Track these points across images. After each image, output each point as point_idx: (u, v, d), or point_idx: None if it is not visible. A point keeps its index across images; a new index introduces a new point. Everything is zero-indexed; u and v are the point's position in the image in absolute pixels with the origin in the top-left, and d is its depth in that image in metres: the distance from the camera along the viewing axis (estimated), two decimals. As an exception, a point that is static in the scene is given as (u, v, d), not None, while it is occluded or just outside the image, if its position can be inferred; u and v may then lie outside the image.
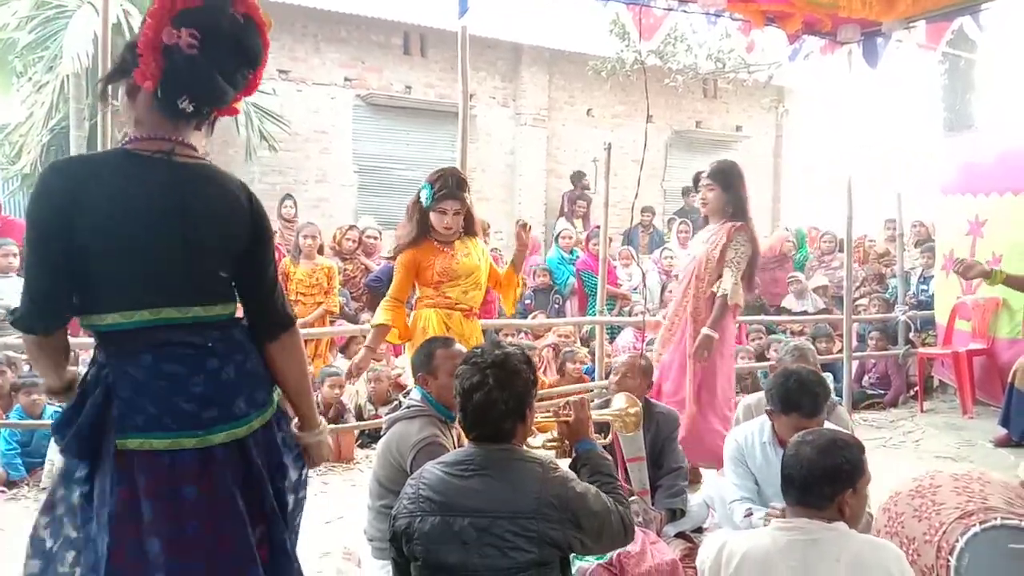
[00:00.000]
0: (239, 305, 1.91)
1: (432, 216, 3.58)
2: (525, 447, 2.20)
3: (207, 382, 1.76)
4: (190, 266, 1.76)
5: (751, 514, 2.97)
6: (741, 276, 4.08)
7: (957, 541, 2.45)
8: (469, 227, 3.71)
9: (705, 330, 4.02)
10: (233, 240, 1.83)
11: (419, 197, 3.61)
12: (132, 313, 1.72)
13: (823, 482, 2.06)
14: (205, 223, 1.77)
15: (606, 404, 3.24)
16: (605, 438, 3.06)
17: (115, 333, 1.74)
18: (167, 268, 1.74)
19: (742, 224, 4.10)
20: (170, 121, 1.77)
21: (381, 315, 3.68)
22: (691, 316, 4.17)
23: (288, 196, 7.49)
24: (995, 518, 2.46)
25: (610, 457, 2.43)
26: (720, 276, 4.08)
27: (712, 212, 4.23)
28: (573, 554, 2.17)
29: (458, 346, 2.97)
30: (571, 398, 2.55)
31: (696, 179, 4.28)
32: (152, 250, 1.72)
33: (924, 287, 7.48)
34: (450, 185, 3.54)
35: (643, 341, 5.31)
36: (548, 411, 2.60)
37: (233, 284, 1.88)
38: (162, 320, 1.74)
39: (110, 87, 1.90)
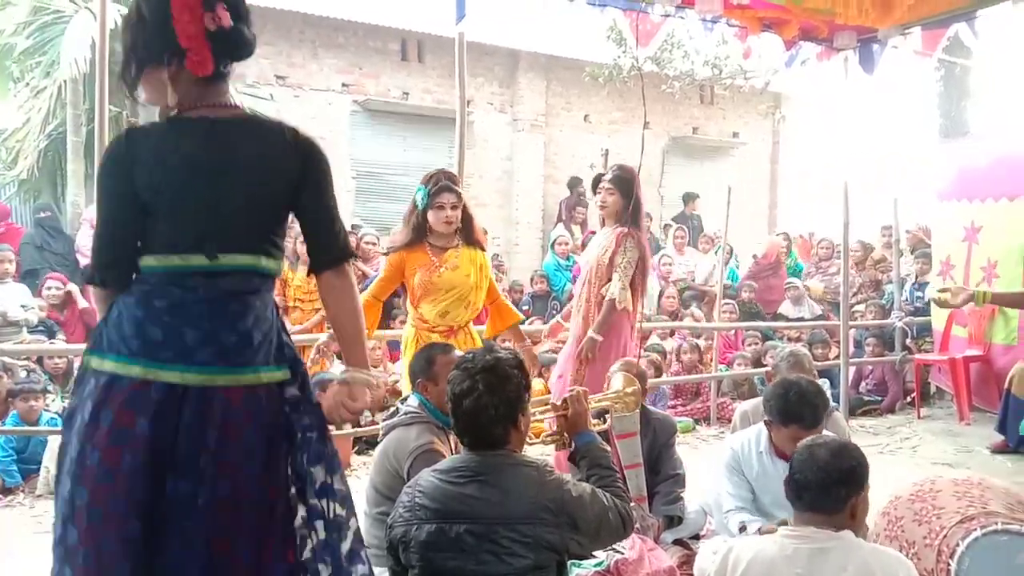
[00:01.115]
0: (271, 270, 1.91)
1: (431, 215, 3.58)
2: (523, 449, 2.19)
3: (173, 317, 1.77)
4: (225, 215, 1.80)
5: (745, 527, 2.95)
6: (630, 281, 4.12)
7: (958, 545, 2.45)
8: (468, 234, 3.70)
9: (590, 333, 4.03)
10: (274, 183, 1.85)
11: (415, 203, 3.62)
12: (165, 257, 1.80)
13: (839, 484, 2.08)
14: (240, 173, 1.81)
15: (602, 414, 3.23)
16: (604, 423, 3.06)
17: (149, 275, 1.82)
18: (202, 216, 1.79)
19: (630, 230, 4.15)
20: (213, 86, 1.83)
21: None
22: (583, 320, 4.18)
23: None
24: (996, 523, 2.46)
25: (609, 448, 2.43)
26: (609, 280, 4.11)
27: (609, 216, 4.27)
28: (570, 560, 2.16)
29: (458, 352, 2.96)
30: (568, 391, 2.55)
31: (596, 181, 4.36)
32: (187, 202, 1.79)
33: (919, 294, 7.48)
34: (443, 180, 3.59)
35: (640, 346, 5.30)
36: (546, 405, 2.60)
37: (277, 239, 1.90)
38: (191, 267, 1.79)
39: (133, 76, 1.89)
